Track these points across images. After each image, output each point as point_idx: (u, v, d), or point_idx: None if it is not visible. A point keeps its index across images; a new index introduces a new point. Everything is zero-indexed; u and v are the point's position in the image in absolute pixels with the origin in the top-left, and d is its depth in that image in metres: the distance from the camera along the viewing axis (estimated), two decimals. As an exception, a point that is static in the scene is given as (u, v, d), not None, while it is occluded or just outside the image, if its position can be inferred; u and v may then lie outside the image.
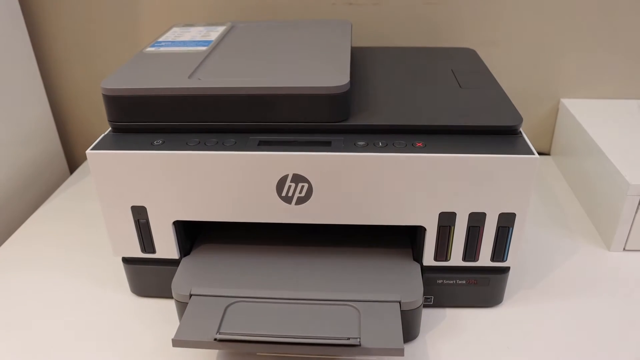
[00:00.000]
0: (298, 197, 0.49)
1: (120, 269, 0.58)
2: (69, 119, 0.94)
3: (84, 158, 0.95)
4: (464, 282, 0.54)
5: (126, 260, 0.57)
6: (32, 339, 0.54)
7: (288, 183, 0.49)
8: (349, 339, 0.44)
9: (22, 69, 0.81)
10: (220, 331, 0.46)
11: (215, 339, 0.45)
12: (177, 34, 0.66)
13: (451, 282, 0.54)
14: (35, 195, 0.84)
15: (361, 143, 0.48)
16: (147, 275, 0.57)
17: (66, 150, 0.94)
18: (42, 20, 0.85)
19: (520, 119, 0.50)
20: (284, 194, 0.49)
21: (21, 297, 0.60)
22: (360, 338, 0.44)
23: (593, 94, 0.83)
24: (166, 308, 0.57)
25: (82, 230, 0.71)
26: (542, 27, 0.79)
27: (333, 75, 0.51)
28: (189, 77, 0.51)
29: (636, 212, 0.61)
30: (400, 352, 0.44)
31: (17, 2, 0.79)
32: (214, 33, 0.66)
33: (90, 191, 0.81)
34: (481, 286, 0.54)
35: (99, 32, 0.85)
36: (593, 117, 0.77)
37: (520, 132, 0.50)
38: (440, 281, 0.54)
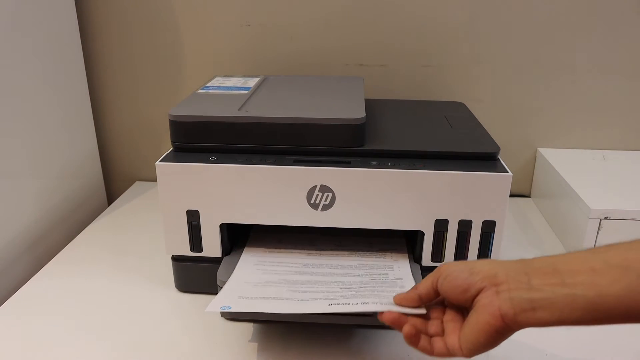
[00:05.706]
0: (323, 205, 0.62)
1: (151, 284, 0.70)
2: (111, 157, 1.07)
3: (120, 192, 1.07)
4: (456, 281, 0.65)
5: (175, 259, 0.68)
6: (93, 329, 0.65)
7: (316, 193, 0.61)
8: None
9: (78, 110, 0.95)
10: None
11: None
12: (220, 81, 0.81)
13: (445, 281, 0.66)
14: (77, 221, 0.94)
15: (374, 162, 0.62)
16: (192, 272, 0.68)
17: (106, 184, 1.07)
18: (99, 65, 1.00)
19: (498, 148, 0.64)
20: (312, 201, 0.62)
21: (72, 303, 0.70)
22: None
23: (565, 145, 0.98)
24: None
25: (117, 252, 0.81)
26: (520, 88, 0.95)
27: (352, 110, 0.65)
28: (239, 109, 0.65)
29: (597, 233, 0.73)
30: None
31: (81, 55, 0.95)
32: (251, 82, 0.81)
33: (124, 220, 0.92)
34: (470, 285, 0.66)
35: (146, 82, 1.00)
36: (565, 163, 0.91)
37: (498, 158, 0.63)
38: (436, 280, 0.66)
